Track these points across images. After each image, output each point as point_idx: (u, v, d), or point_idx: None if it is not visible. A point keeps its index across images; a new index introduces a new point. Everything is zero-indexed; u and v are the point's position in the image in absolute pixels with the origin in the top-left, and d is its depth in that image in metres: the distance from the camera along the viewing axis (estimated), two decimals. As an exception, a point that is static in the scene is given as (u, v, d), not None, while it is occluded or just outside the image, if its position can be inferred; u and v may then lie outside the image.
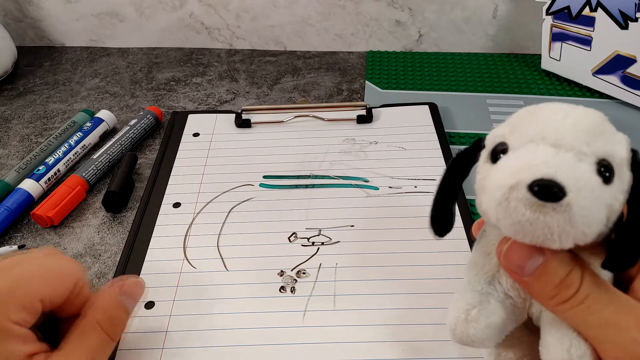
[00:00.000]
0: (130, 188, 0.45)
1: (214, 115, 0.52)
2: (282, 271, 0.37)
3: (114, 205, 0.43)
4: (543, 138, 0.20)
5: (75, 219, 0.43)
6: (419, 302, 0.34)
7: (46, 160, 0.46)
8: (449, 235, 0.38)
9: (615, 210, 0.20)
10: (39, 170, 0.45)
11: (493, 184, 0.20)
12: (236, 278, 0.36)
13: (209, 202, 0.42)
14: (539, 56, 0.58)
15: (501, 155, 0.21)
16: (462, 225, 0.39)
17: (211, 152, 0.47)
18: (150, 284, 0.36)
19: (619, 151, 0.20)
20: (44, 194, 0.45)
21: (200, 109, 0.56)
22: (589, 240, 0.20)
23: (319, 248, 0.38)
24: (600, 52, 0.52)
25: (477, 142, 0.24)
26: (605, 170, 0.20)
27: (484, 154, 0.23)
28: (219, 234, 0.40)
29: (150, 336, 0.33)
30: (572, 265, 0.21)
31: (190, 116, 0.52)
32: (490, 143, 0.22)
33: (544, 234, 0.19)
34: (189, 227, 0.40)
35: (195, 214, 0.41)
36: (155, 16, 0.64)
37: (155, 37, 0.66)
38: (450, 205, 0.25)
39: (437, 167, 0.45)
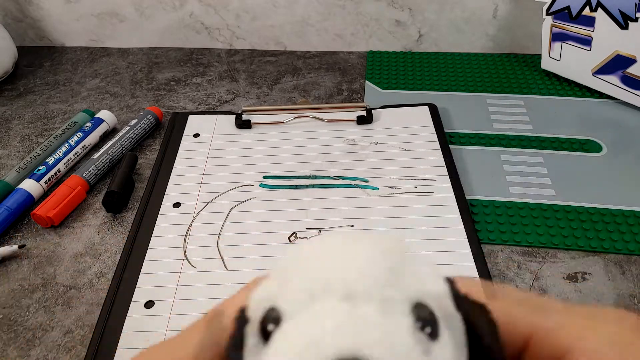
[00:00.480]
0: (131, 188, 0.45)
1: (214, 116, 0.52)
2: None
3: (114, 205, 0.43)
4: (325, 290, 0.13)
5: (75, 219, 0.43)
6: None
7: (46, 161, 0.46)
8: (449, 235, 0.39)
9: None
10: (39, 170, 0.45)
11: None
12: (236, 278, 0.36)
13: (209, 202, 0.43)
14: (539, 56, 0.58)
15: (274, 329, 0.13)
16: (462, 225, 0.39)
17: (211, 152, 0.48)
18: (150, 284, 0.36)
19: (435, 288, 0.13)
20: (45, 194, 0.45)
21: (201, 109, 0.56)
22: None
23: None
24: (601, 52, 0.52)
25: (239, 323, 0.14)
26: (426, 323, 0.13)
27: (252, 332, 0.14)
28: (219, 234, 0.40)
29: (150, 335, 0.33)
30: None
31: (190, 117, 0.52)
32: (255, 314, 0.14)
33: None
34: (189, 227, 0.40)
35: (195, 214, 0.41)
36: (155, 16, 0.64)
37: (155, 37, 0.66)
38: None
39: (437, 168, 0.45)
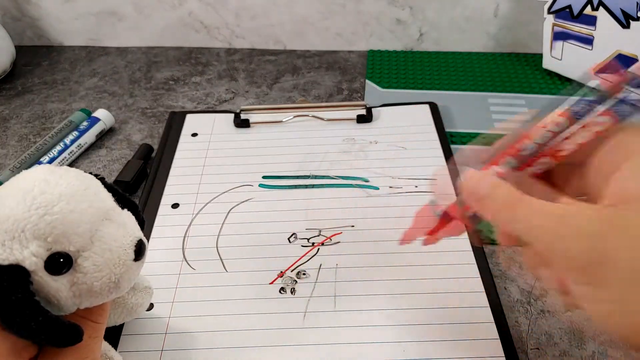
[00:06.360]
0: (142, 177, 0.45)
1: (213, 115, 0.51)
2: (281, 272, 0.37)
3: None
4: None
5: (73, 220, 0.43)
6: (420, 302, 0.34)
7: (41, 160, 0.46)
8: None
9: None
10: (34, 169, 0.45)
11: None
12: (235, 279, 0.36)
13: (207, 203, 0.42)
14: (541, 55, 0.58)
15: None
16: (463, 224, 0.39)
17: (210, 152, 0.47)
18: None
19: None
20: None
21: (200, 108, 0.55)
22: None
23: (319, 249, 0.38)
24: (602, 52, 0.52)
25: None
26: None
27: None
28: (218, 235, 0.39)
29: (149, 338, 0.33)
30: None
31: (188, 116, 0.51)
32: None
33: None
34: (188, 228, 0.40)
35: (194, 215, 0.41)
36: (154, 15, 0.63)
37: (154, 36, 0.66)
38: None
39: (437, 167, 0.44)
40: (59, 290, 0.23)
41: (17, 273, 0.22)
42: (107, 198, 0.26)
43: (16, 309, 0.21)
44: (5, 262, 0.22)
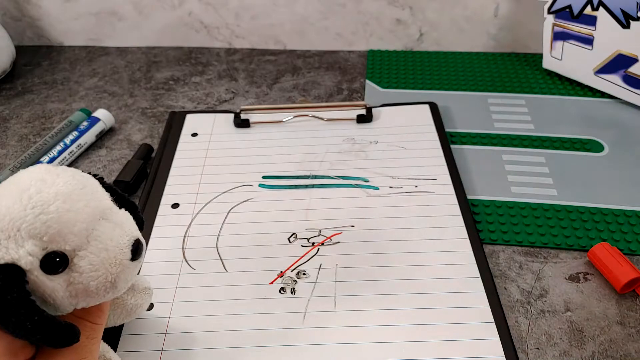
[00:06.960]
0: (142, 177, 0.45)
1: (213, 115, 0.51)
2: (281, 272, 0.37)
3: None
4: None
5: (73, 220, 0.43)
6: (420, 302, 0.34)
7: (41, 160, 0.46)
8: (449, 235, 0.38)
9: None
10: (35, 169, 0.45)
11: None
12: (235, 279, 0.36)
13: (207, 203, 0.42)
14: (541, 55, 0.58)
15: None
16: (463, 225, 0.39)
17: (210, 152, 0.47)
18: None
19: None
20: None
21: (200, 108, 0.55)
22: None
23: (319, 249, 0.38)
24: (602, 52, 0.52)
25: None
26: None
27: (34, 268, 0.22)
28: (218, 235, 0.39)
29: (149, 338, 0.33)
30: None
31: (188, 116, 0.51)
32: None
33: None
34: (188, 228, 0.40)
35: (194, 215, 0.41)
36: (154, 15, 0.63)
37: (154, 36, 0.66)
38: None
39: (437, 167, 0.44)
40: (55, 289, 0.23)
41: (12, 272, 0.21)
42: (104, 197, 0.26)
43: (11, 308, 0.21)
44: (1, 261, 0.22)
